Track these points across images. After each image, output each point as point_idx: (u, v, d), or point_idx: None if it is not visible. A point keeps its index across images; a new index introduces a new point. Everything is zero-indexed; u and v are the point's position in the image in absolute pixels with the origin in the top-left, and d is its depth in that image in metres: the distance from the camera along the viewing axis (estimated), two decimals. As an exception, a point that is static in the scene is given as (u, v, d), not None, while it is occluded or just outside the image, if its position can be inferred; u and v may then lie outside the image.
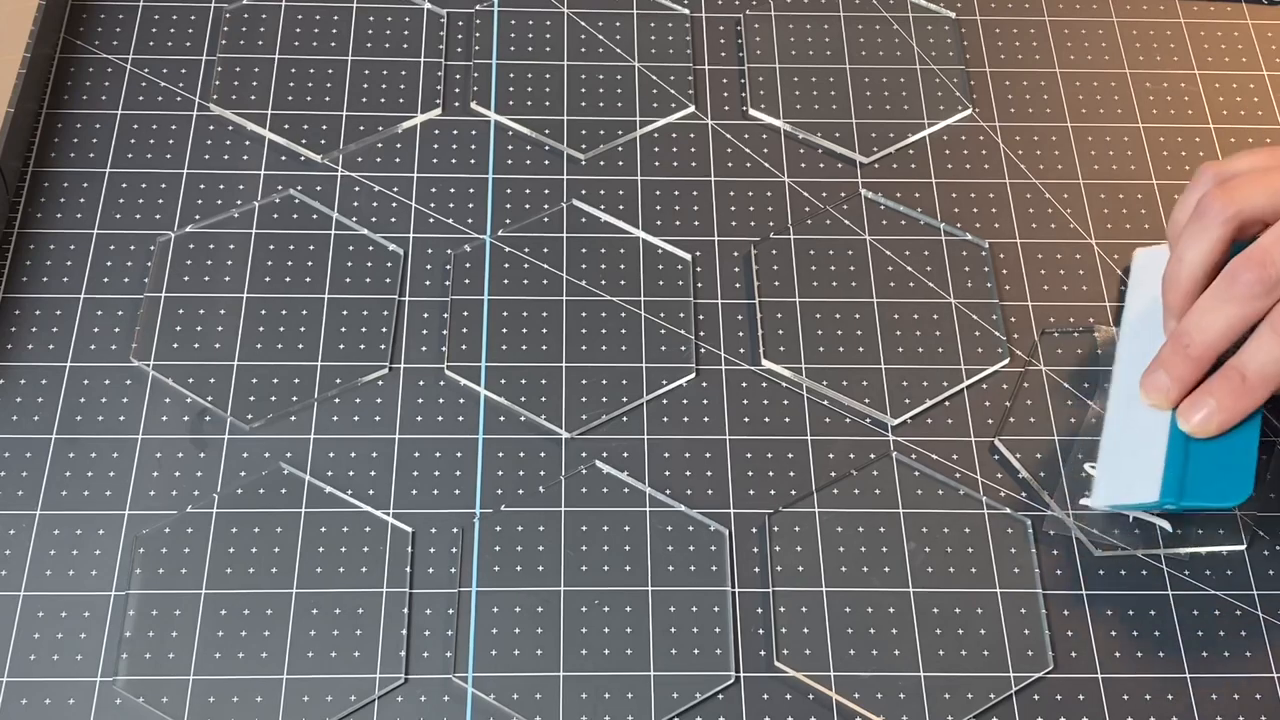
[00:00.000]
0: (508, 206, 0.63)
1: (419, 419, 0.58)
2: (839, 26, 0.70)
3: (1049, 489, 0.57)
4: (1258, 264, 0.51)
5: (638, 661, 0.53)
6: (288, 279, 0.61)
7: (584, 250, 0.62)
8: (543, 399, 0.58)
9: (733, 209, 0.64)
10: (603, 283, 0.61)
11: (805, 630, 0.53)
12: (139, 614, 0.53)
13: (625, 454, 0.57)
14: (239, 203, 0.63)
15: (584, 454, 0.57)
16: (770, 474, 0.57)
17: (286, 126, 0.65)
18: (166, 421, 0.57)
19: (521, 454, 0.57)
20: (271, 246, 0.61)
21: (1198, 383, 0.54)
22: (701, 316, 0.61)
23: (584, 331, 0.60)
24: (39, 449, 0.56)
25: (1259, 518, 0.56)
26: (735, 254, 0.62)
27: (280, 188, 0.63)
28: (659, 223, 0.63)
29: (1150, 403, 0.55)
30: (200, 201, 0.63)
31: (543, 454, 0.57)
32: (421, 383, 0.59)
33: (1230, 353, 0.54)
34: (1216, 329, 0.53)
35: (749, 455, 0.57)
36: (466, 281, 0.61)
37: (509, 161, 0.65)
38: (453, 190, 0.64)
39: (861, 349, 0.60)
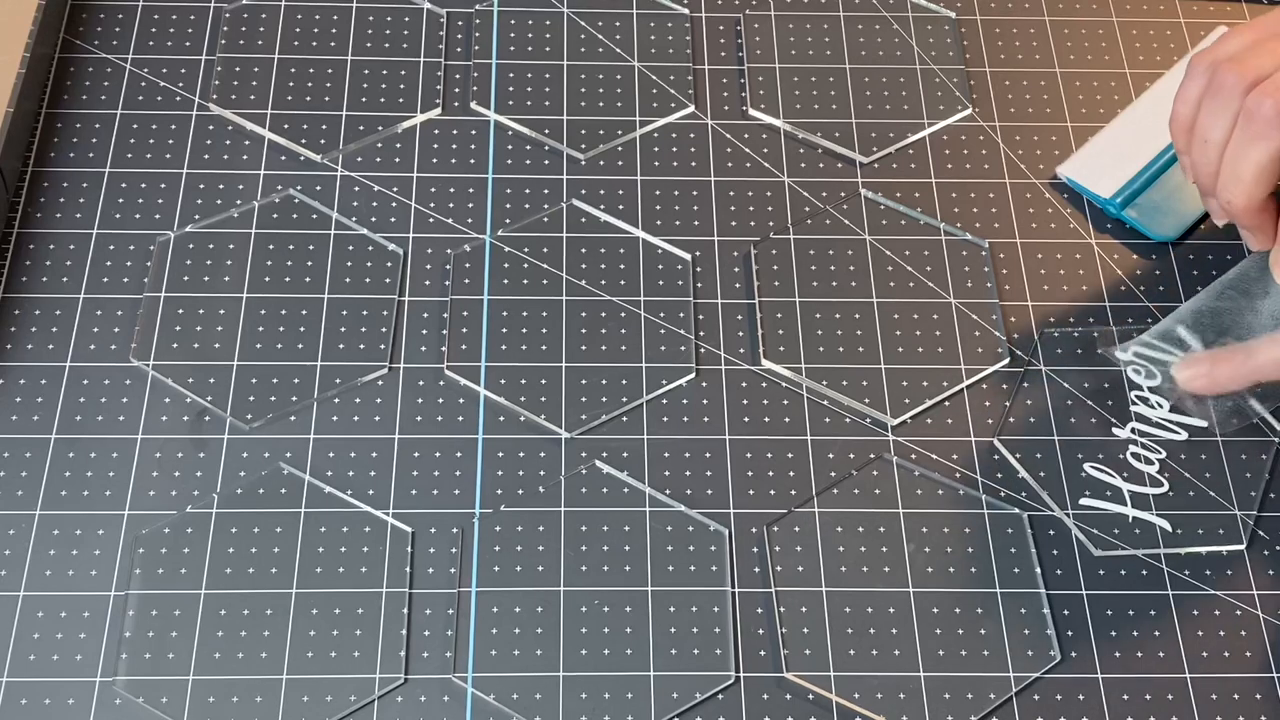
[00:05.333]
0: (508, 206, 0.63)
1: (419, 419, 0.58)
2: (839, 26, 0.70)
3: (1049, 489, 0.57)
4: (1271, 93, 0.51)
5: (638, 661, 0.53)
6: (288, 279, 0.61)
7: (584, 250, 0.62)
8: (543, 399, 0.58)
9: (733, 209, 0.64)
10: (603, 283, 0.61)
11: (805, 630, 0.53)
12: (139, 614, 0.53)
13: (625, 454, 0.57)
14: (239, 203, 0.63)
15: (584, 454, 0.57)
16: (770, 474, 0.57)
17: (286, 126, 0.65)
18: (166, 421, 0.57)
19: (521, 454, 0.57)
20: (271, 246, 0.61)
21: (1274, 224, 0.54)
22: (701, 316, 0.61)
23: (584, 331, 0.60)
24: (39, 449, 0.56)
25: (1259, 517, 0.56)
26: (735, 254, 0.62)
27: (280, 188, 0.63)
28: (659, 223, 0.63)
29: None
30: (200, 201, 0.63)
31: (543, 454, 0.57)
32: (421, 383, 0.58)
33: None
34: (1250, 174, 0.52)
35: (749, 455, 0.57)
36: (466, 281, 0.61)
37: (509, 161, 0.65)
38: (452, 190, 0.64)
39: (861, 349, 0.60)
